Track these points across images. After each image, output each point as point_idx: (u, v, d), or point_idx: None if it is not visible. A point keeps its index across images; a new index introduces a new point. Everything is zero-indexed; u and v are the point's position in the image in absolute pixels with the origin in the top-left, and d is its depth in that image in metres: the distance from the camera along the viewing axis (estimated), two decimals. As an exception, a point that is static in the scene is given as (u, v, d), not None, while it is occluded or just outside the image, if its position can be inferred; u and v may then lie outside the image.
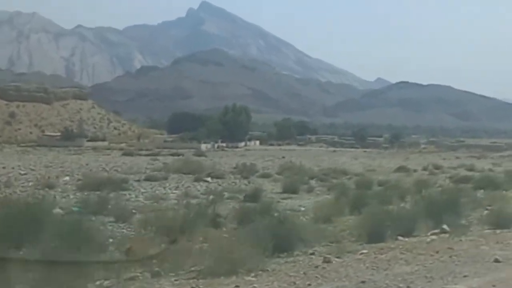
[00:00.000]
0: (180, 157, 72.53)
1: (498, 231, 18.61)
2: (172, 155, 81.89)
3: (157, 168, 55.91)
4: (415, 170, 55.76)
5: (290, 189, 37.11)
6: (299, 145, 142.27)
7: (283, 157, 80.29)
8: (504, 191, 29.84)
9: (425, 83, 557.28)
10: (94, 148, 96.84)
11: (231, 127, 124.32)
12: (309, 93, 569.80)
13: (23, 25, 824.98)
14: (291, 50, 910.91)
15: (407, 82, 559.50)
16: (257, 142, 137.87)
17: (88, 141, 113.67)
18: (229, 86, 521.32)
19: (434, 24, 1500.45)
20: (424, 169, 58.06)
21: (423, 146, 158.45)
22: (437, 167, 59.41)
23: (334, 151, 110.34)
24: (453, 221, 18.76)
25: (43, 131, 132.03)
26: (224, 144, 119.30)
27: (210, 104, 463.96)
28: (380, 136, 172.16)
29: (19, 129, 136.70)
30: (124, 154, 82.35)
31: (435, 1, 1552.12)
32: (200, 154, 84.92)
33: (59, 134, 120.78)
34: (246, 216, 20.33)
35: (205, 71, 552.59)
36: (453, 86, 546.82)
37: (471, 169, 56.42)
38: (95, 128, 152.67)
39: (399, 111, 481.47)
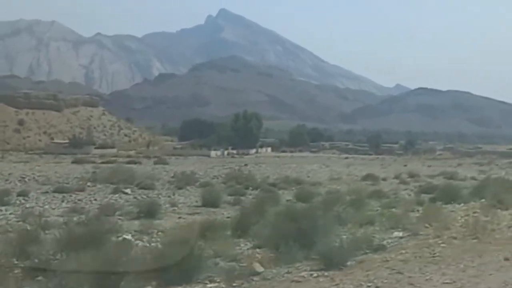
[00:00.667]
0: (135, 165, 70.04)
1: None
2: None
3: (87, 177, 50.84)
4: (384, 179, 51.62)
5: (210, 202, 32.08)
6: (311, 152, 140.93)
7: (246, 165, 76.70)
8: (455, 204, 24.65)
9: (444, 89, 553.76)
10: (102, 156, 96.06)
11: (242, 134, 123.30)
12: (327, 99, 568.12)
13: (43, 34, 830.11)
14: (308, 56, 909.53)
15: (425, 88, 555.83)
16: (269, 149, 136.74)
17: (96, 148, 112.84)
18: (246, 92, 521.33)
19: (455, 30, 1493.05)
20: (396, 177, 53.59)
21: (438, 152, 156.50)
22: (412, 175, 55.92)
23: (346, 158, 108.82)
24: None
25: (52, 139, 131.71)
26: (234, 151, 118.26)
27: (227, 111, 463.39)
28: (396, 143, 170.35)
29: (28, 136, 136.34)
30: (74, 162, 79.55)
31: (458, 6, 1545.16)
32: (162, 161, 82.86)
33: (67, 141, 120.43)
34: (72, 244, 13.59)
35: (222, 78, 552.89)
36: (472, 92, 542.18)
37: (451, 177, 52.51)
38: (105, 135, 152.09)
39: (417, 117, 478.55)
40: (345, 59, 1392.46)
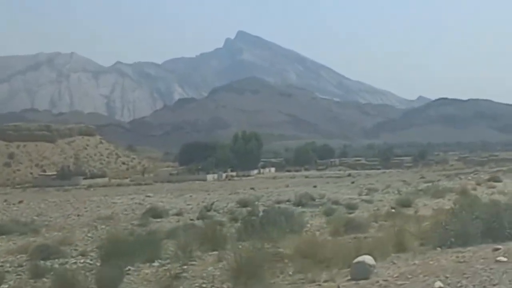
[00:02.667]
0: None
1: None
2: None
3: None
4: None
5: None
6: (318, 169, 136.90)
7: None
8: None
9: (465, 98, 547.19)
10: (89, 186, 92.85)
11: (241, 155, 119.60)
12: (348, 115, 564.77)
13: (63, 65, 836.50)
14: (330, 73, 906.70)
15: (446, 99, 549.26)
16: (273, 169, 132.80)
17: (86, 178, 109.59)
18: (266, 113, 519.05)
19: (474, 37, 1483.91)
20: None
21: (451, 163, 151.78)
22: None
23: (349, 174, 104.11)
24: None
25: (44, 171, 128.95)
26: (234, 173, 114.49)
27: (249, 132, 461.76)
28: (408, 155, 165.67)
29: (18, 170, 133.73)
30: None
31: (474, 13, 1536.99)
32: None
33: (54, 173, 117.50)
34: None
35: (242, 100, 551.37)
36: (493, 99, 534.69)
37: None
38: (101, 164, 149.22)
39: (440, 128, 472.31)
40: (367, 74, 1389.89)
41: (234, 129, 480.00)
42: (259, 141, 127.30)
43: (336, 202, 36.42)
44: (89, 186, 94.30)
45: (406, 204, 31.66)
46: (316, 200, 40.02)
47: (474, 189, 37.39)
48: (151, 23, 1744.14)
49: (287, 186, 66.05)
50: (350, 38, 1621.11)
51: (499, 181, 40.26)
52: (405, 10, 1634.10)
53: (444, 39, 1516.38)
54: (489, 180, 41.99)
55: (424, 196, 36.96)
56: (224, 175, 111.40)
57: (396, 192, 42.44)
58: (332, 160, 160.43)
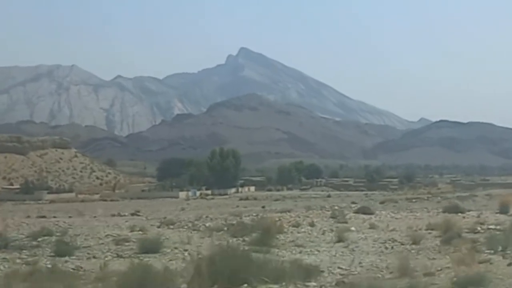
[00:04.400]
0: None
1: None
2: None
3: None
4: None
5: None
6: (301, 189, 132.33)
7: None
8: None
9: (465, 120, 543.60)
10: (52, 201, 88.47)
11: (218, 173, 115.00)
12: (347, 135, 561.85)
13: (63, 78, 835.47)
14: (331, 92, 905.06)
15: (446, 121, 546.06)
16: (252, 188, 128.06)
17: (51, 193, 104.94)
18: (264, 130, 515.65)
19: (479, 58, 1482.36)
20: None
21: (440, 186, 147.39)
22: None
23: (329, 195, 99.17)
24: None
25: (11, 184, 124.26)
26: (209, 191, 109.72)
27: (245, 150, 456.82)
28: (395, 177, 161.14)
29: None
30: None
31: (478, 37, 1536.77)
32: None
33: (18, 187, 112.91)
34: None
35: (240, 117, 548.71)
36: (495, 123, 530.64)
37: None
38: (74, 178, 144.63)
39: (439, 150, 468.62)
40: (370, 95, 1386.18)
41: (231, 146, 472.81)
42: (237, 158, 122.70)
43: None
44: (52, 201, 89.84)
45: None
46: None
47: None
48: (153, 38, 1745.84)
49: (183, 209, 58.87)
50: (353, 57, 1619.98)
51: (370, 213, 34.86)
52: (410, 29, 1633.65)
53: (450, 60, 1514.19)
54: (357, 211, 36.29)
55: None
56: (198, 193, 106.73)
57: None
58: (318, 180, 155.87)
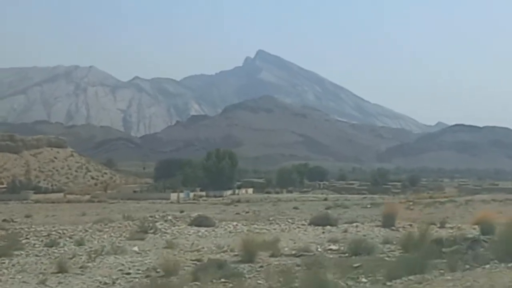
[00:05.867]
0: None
1: None
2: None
3: None
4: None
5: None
6: (301, 192, 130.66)
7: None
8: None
9: (481, 125, 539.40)
10: (37, 201, 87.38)
11: (213, 174, 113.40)
12: (362, 138, 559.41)
13: (80, 79, 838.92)
14: (348, 95, 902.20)
15: (462, 125, 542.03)
16: (250, 190, 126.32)
17: (37, 193, 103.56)
18: (280, 133, 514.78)
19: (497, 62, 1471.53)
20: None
21: (447, 190, 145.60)
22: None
23: (326, 199, 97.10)
24: None
25: (2, 183, 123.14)
26: (203, 193, 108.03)
27: (260, 152, 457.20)
28: (400, 181, 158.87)
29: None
30: None
31: (490, 43, 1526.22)
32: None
33: (5, 186, 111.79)
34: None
35: (255, 119, 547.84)
36: (511, 127, 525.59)
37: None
38: (68, 178, 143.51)
39: (454, 154, 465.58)
40: (387, 98, 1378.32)
41: (245, 148, 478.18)
42: (234, 160, 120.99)
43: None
44: (37, 201, 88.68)
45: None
46: None
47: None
48: (171, 39, 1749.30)
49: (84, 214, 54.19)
50: (371, 61, 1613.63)
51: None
52: (431, 33, 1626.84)
53: (471, 62, 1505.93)
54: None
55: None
56: (191, 194, 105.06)
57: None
58: (320, 182, 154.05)
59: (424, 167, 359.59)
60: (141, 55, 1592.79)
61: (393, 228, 27.62)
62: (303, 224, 31.60)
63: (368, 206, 58.71)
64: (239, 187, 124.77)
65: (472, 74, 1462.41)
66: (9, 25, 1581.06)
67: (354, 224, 31.05)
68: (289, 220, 36.03)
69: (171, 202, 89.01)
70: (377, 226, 29.41)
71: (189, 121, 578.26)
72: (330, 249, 19.84)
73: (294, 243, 22.12)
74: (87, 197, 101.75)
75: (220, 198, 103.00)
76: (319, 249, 19.97)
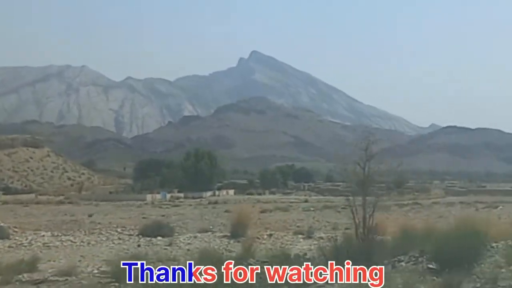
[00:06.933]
0: None
1: None
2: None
3: None
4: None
5: None
6: (284, 193, 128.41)
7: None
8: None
9: (473, 127, 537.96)
10: (5, 202, 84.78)
11: (191, 175, 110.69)
12: (354, 140, 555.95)
13: (72, 79, 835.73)
14: (342, 97, 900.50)
15: (455, 127, 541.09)
16: (231, 191, 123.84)
17: (6, 194, 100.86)
18: (271, 134, 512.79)
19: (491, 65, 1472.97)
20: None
21: (434, 192, 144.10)
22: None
23: (306, 200, 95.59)
24: None
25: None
26: (181, 194, 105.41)
27: (252, 153, 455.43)
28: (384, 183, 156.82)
29: None
30: None
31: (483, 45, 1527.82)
32: None
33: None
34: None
35: (247, 120, 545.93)
36: (503, 129, 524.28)
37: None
38: (43, 178, 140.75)
39: (446, 156, 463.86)
40: (381, 99, 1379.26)
41: (237, 149, 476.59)
42: (213, 160, 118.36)
43: None
44: (5, 203, 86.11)
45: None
46: None
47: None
48: (164, 39, 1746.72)
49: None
50: (365, 62, 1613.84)
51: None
52: (424, 35, 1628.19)
53: (463, 65, 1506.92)
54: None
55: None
56: (168, 195, 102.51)
57: None
58: (305, 184, 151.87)
59: (416, 168, 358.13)
60: (134, 55, 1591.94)
61: (243, 238, 23.78)
62: (130, 235, 27.94)
63: (311, 209, 56.96)
64: (219, 188, 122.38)
65: (466, 77, 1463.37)
66: (1, 24, 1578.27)
67: (201, 235, 27.29)
68: (118, 230, 31.96)
69: (146, 204, 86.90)
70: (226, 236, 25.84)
71: (181, 121, 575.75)
72: (101, 271, 15.72)
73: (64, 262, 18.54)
74: (61, 198, 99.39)
75: (198, 200, 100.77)
76: (87, 271, 16.19)
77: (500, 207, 54.15)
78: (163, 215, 49.80)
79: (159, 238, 25.58)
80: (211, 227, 33.50)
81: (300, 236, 25.24)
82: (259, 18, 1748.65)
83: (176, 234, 27.91)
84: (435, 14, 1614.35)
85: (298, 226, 32.66)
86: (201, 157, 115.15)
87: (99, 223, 36.50)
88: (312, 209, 56.98)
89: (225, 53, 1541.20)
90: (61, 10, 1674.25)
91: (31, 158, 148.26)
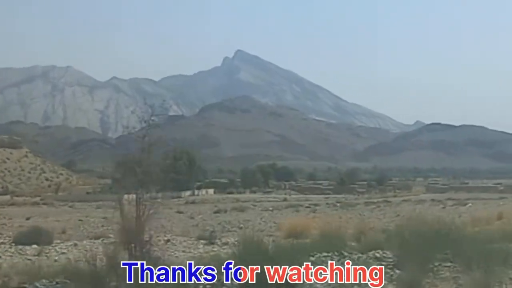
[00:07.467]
0: None
1: None
2: None
3: None
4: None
5: None
6: (264, 192, 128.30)
7: None
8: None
9: (457, 124, 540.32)
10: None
11: (170, 175, 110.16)
12: (339, 138, 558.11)
13: (58, 79, 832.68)
14: (327, 95, 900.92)
15: (439, 124, 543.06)
16: (211, 191, 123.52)
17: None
18: (256, 133, 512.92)
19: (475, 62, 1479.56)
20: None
21: (416, 189, 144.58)
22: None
23: (285, 199, 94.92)
24: None
25: None
26: (159, 194, 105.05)
27: (236, 152, 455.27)
28: (365, 181, 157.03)
29: None
30: None
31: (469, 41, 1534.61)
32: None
33: None
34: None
35: (231, 119, 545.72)
36: (488, 126, 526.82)
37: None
38: (20, 179, 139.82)
39: (430, 153, 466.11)
40: (366, 97, 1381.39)
41: (222, 148, 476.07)
42: (192, 160, 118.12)
43: None
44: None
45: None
46: None
47: None
48: (149, 39, 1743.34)
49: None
50: (350, 61, 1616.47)
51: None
52: (408, 33, 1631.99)
53: (447, 63, 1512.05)
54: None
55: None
56: (146, 195, 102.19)
57: None
58: (286, 182, 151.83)
59: (401, 166, 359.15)
60: (119, 55, 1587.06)
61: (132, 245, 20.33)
62: (2, 243, 24.50)
63: (270, 208, 56.62)
64: (199, 188, 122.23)
65: (449, 74, 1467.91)
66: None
67: (87, 242, 24.55)
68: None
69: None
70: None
71: (166, 121, 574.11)
72: None
73: None
74: (37, 199, 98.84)
75: (176, 200, 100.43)
76: None
77: (469, 204, 54.31)
78: (104, 218, 46.91)
79: (34, 246, 22.60)
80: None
81: (202, 241, 23.50)
82: (243, 17, 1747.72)
83: (58, 241, 24.94)
84: (421, 12, 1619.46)
85: (206, 230, 30.03)
86: (179, 157, 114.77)
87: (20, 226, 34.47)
88: (270, 208, 56.44)
89: (210, 52, 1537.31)
90: (45, 11, 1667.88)
91: (8, 159, 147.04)
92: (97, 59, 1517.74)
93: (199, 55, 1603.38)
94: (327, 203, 63.90)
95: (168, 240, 24.46)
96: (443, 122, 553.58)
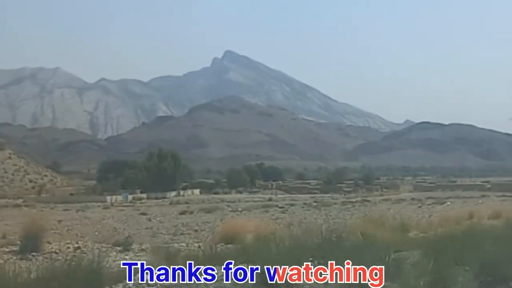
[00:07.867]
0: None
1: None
2: None
3: None
4: None
5: None
6: (250, 192, 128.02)
7: None
8: None
9: (446, 122, 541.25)
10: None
11: (154, 175, 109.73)
12: (329, 137, 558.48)
13: (46, 81, 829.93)
14: (316, 95, 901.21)
15: (428, 123, 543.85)
16: (196, 191, 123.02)
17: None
18: (245, 133, 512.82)
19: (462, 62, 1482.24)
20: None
21: (404, 188, 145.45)
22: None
23: (270, 199, 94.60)
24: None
25: None
26: (143, 195, 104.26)
27: (226, 152, 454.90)
28: (352, 180, 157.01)
29: None
30: None
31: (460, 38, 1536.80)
32: None
33: None
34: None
35: (221, 119, 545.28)
36: (476, 125, 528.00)
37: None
38: (3, 181, 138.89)
39: (420, 152, 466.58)
40: (355, 97, 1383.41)
41: (211, 148, 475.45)
42: (176, 160, 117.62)
43: None
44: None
45: None
46: None
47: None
48: (138, 40, 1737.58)
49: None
50: (339, 61, 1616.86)
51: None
52: (397, 32, 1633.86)
53: (434, 62, 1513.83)
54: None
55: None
56: (130, 196, 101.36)
57: None
58: (273, 182, 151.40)
59: (390, 165, 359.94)
60: (107, 56, 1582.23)
61: (33, 254, 17.38)
62: None
63: (239, 209, 56.29)
64: (184, 188, 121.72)
65: (439, 73, 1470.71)
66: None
67: None
68: None
69: (105, 206, 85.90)
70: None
71: (155, 122, 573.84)
72: None
73: None
74: (19, 201, 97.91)
75: (161, 200, 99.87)
76: None
77: (448, 203, 54.18)
78: (60, 220, 44.70)
79: None
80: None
81: (117, 248, 21.10)
82: (232, 18, 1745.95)
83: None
84: (408, 12, 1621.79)
85: (127, 235, 27.66)
86: (164, 157, 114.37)
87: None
88: (239, 209, 55.94)
89: (199, 53, 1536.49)
90: (34, 12, 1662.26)
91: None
92: (86, 61, 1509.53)
93: (188, 55, 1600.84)
94: (304, 203, 63.46)
95: (78, 248, 22.12)
96: (432, 121, 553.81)
